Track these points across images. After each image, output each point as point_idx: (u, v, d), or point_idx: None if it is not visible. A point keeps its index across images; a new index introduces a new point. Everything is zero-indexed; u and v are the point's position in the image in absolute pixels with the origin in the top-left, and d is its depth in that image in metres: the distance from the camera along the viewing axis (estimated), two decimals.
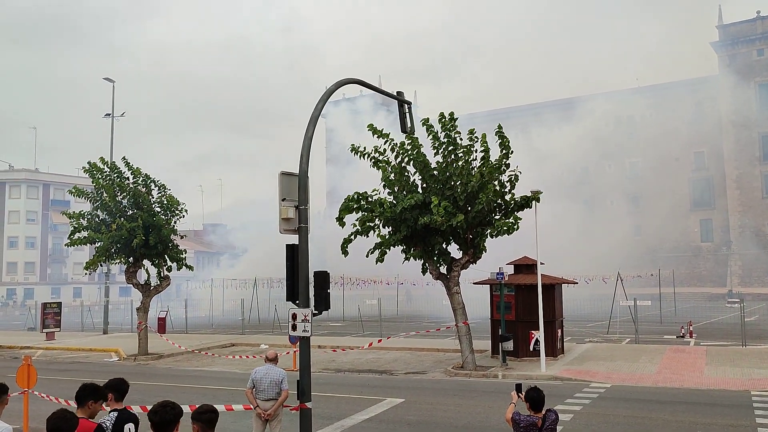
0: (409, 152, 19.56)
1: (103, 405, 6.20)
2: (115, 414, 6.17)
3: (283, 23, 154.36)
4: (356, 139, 21.55)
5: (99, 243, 25.64)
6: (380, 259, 20.07)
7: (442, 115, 19.89)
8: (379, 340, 24.01)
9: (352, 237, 19.42)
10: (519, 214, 19.59)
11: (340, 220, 19.01)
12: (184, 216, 27.41)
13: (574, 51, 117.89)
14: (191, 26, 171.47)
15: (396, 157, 19.79)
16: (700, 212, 70.60)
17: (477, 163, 19.52)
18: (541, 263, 20.62)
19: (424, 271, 20.68)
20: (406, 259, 20.49)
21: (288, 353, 21.64)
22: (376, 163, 19.95)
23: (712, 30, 72.05)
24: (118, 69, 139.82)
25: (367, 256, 20.06)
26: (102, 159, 26.95)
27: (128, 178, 26.65)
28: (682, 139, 69.94)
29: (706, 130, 70.44)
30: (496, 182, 19.28)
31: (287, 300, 11.00)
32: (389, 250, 20.09)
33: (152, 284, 27.10)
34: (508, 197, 19.69)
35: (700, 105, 73.12)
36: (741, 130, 68.66)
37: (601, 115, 73.90)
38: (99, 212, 26.23)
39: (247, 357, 24.08)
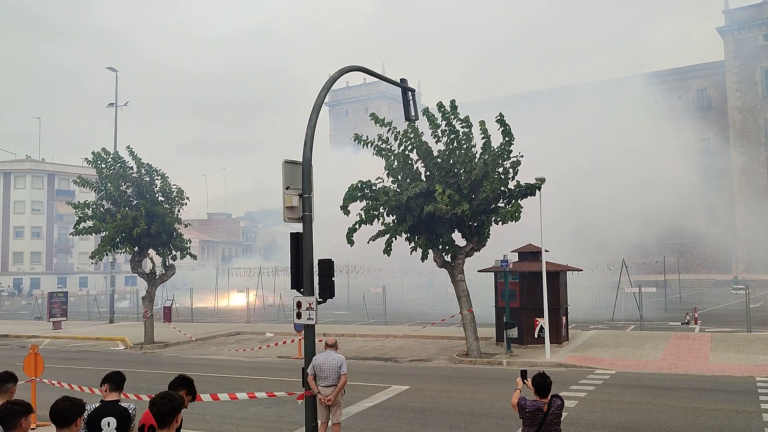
0: (412, 139, 19.48)
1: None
2: (94, 406, 5.85)
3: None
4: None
5: (104, 232, 25.76)
6: (387, 251, 19.97)
7: (440, 104, 19.75)
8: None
9: (357, 226, 19.35)
10: (522, 201, 19.44)
11: (345, 209, 18.96)
12: (186, 204, 27.49)
13: (578, 37, 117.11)
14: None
15: (399, 146, 19.71)
16: (706, 198, 70.17)
17: (479, 150, 19.42)
18: (546, 250, 20.57)
19: (423, 259, 20.56)
20: (413, 249, 20.41)
21: (293, 341, 21.71)
22: (379, 152, 19.88)
23: (718, 15, 71.47)
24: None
25: (368, 242, 20.00)
26: (104, 149, 27.02)
27: (132, 168, 26.72)
28: (688, 125, 69.47)
29: (712, 116, 69.94)
30: (500, 169, 19.19)
31: (292, 288, 11.00)
32: (395, 239, 20.01)
33: (157, 273, 27.23)
34: (512, 185, 19.55)
35: (705, 91, 72.61)
36: (747, 115, 68.19)
37: (605, 101, 73.33)
38: (104, 202, 26.30)
39: (252, 349, 24.15)
